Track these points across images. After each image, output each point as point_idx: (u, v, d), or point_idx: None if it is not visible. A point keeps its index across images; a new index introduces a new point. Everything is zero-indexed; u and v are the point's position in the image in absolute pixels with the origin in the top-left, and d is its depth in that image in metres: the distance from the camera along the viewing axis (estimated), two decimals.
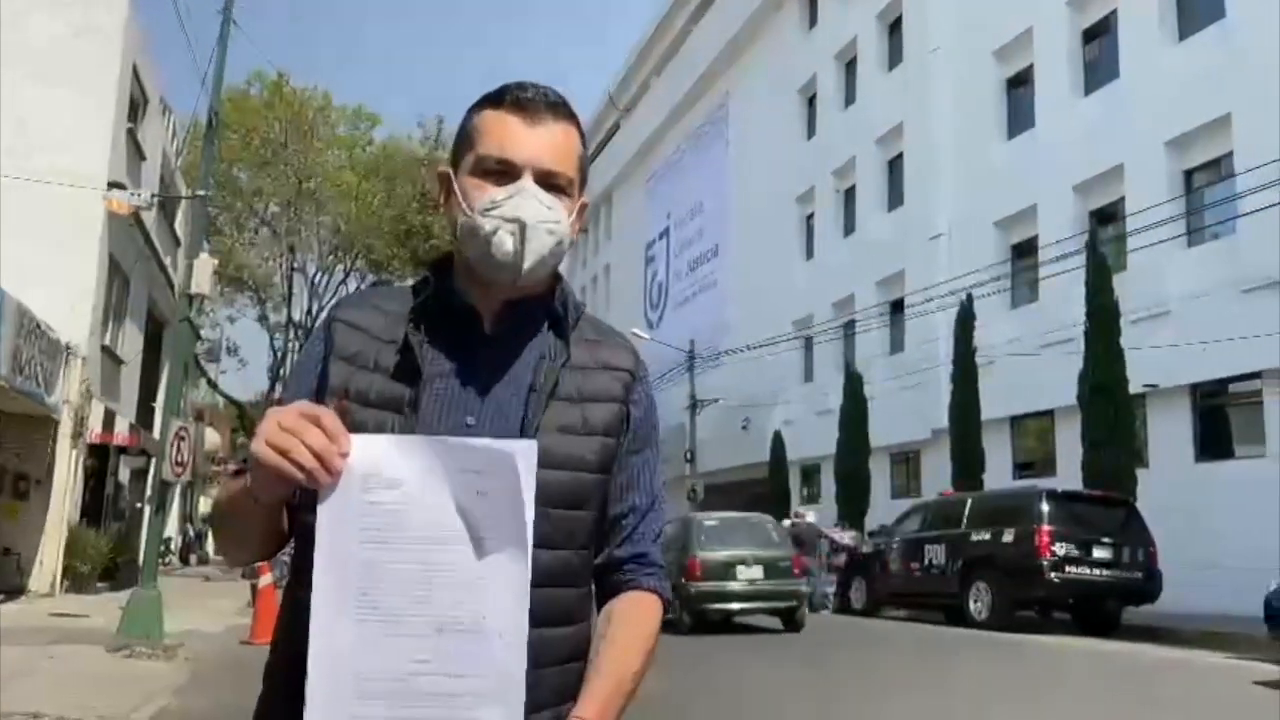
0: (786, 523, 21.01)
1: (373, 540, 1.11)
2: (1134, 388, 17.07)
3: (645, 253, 45.44)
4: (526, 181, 1.26)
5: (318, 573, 1.12)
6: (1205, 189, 18.70)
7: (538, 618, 1.14)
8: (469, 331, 1.31)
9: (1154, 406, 18.31)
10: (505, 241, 1.24)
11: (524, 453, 1.13)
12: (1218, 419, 18.05)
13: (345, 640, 1.09)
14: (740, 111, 36.61)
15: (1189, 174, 18.98)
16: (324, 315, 1.38)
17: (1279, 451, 15.66)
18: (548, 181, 1.28)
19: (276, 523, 1.25)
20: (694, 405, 31.87)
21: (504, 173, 1.27)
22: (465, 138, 1.32)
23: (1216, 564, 15.28)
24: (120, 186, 16.35)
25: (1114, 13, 20.72)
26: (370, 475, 1.12)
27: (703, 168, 39.30)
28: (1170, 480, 17.22)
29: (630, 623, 1.31)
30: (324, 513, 1.12)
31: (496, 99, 1.31)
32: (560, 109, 1.31)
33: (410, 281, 1.38)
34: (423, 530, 1.11)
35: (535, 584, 1.14)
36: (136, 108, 19.30)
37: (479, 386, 1.28)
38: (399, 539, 1.11)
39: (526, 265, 1.26)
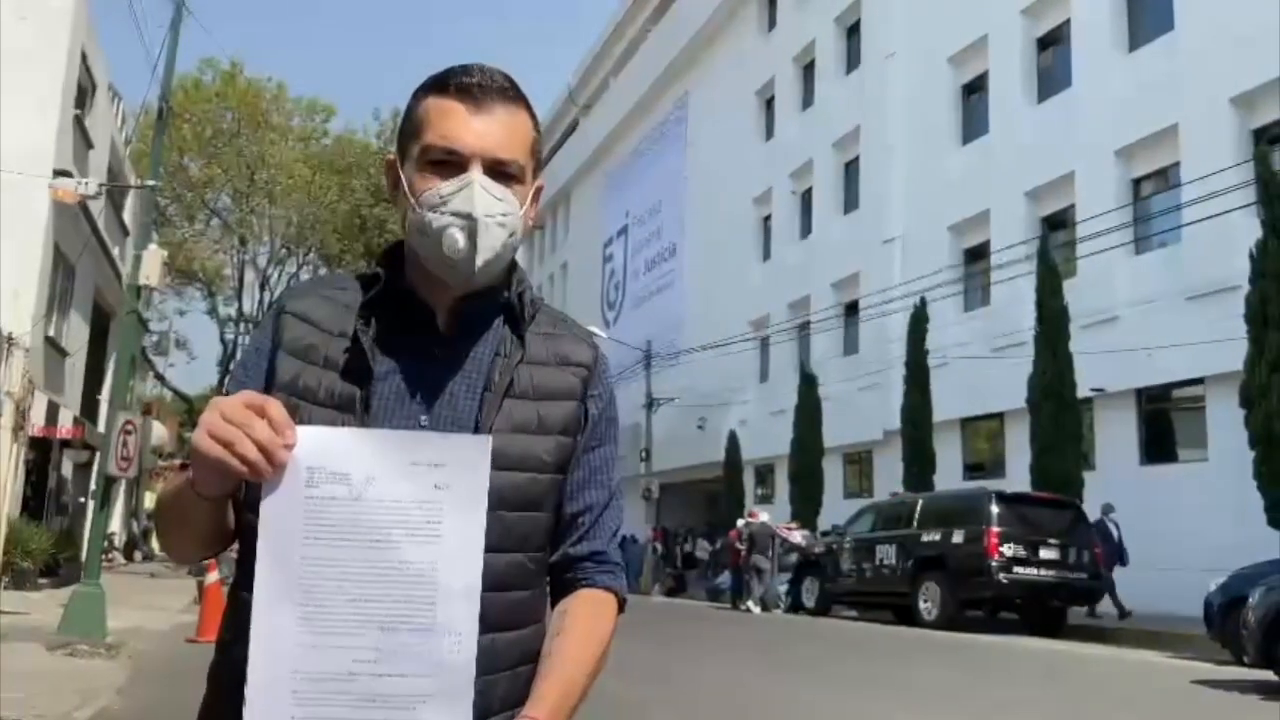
0: (741, 523, 21.12)
1: (317, 536, 1.07)
2: (1082, 392, 17.38)
3: (603, 251, 45.40)
4: (475, 173, 1.21)
5: (260, 570, 1.08)
6: (1153, 197, 19.09)
7: (489, 622, 1.11)
8: (421, 327, 1.27)
9: (1101, 411, 18.65)
10: (456, 239, 1.19)
11: (480, 446, 1.11)
12: (1162, 423, 18.44)
13: (287, 639, 1.06)
14: (699, 112, 36.71)
15: (1137, 182, 19.36)
16: (273, 305, 1.33)
17: (1220, 455, 16.00)
18: (498, 170, 1.23)
19: (222, 520, 1.21)
20: (650, 404, 31.91)
21: (451, 163, 1.22)
22: (410, 126, 1.27)
23: (1159, 565, 15.60)
24: (67, 174, 15.97)
25: (1067, 22, 21.07)
26: (316, 469, 1.08)
27: (661, 167, 39.35)
28: (1116, 483, 17.54)
29: (584, 621, 1.27)
30: (267, 507, 1.08)
31: (440, 85, 1.25)
32: (508, 92, 1.26)
33: (360, 269, 1.34)
34: (370, 526, 1.07)
35: (487, 588, 1.11)
36: (84, 94, 18.89)
37: (432, 385, 1.24)
38: (345, 535, 1.07)
39: (479, 262, 1.21)
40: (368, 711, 1.06)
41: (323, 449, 1.09)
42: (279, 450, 1.07)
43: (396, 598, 1.07)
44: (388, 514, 1.08)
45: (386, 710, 1.06)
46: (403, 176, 1.26)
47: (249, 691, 1.06)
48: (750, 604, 19.35)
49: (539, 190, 1.32)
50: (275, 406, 1.09)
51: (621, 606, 1.34)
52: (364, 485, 1.08)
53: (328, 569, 1.07)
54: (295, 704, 1.05)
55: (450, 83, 1.25)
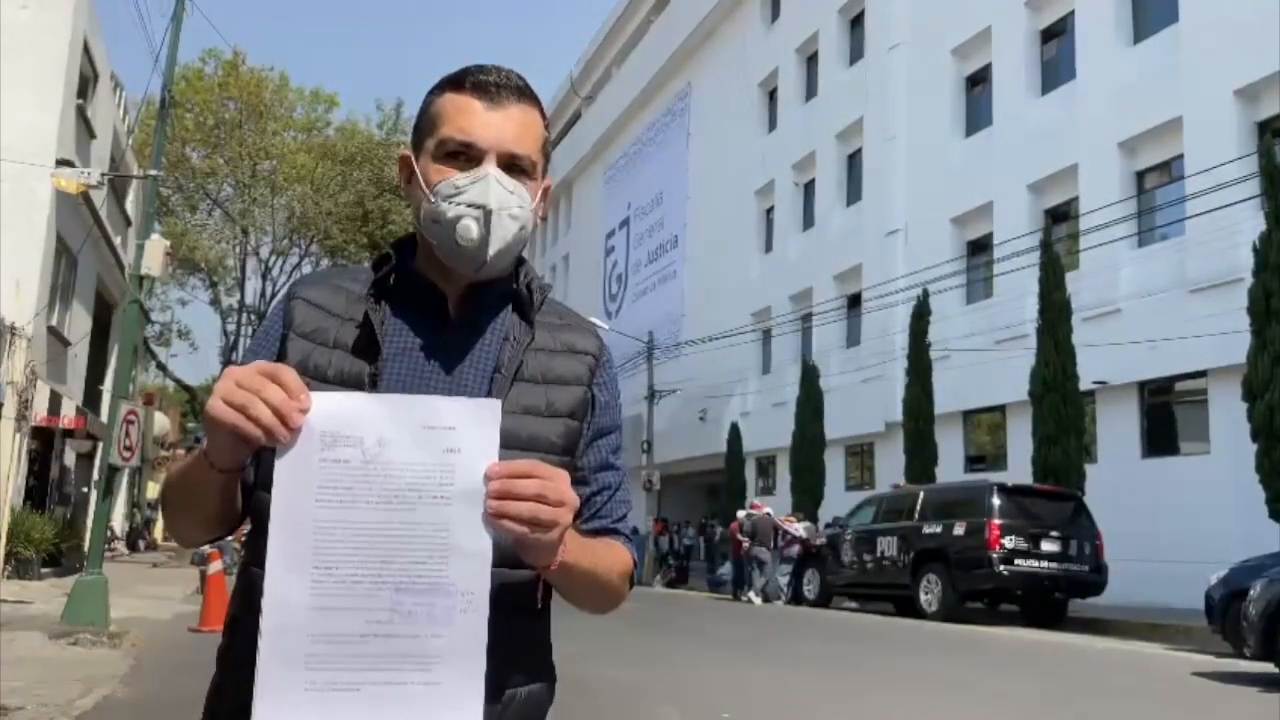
0: (741, 514, 21.14)
1: (331, 500, 1.08)
2: (1084, 384, 17.37)
3: (605, 243, 45.38)
4: (490, 166, 1.25)
5: (273, 534, 1.09)
6: (1156, 190, 19.06)
7: (494, 598, 1.11)
8: (432, 312, 1.30)
9: (1103, 403, 18.65)
10: (470, 228, 1.23)
11: (490, 409, 1.13)
12: (1164, 416, 18.44)
13: (299, 603, 1.07)
14: (701, 103, 36.65)
15: (1140, 175, 19.32)
16: (283, 292, 1.35)
17: (1222, 448, 16.01)
18: (511, 164, 1.27)
19: (231, 499, 1.22)
20: (652, 396, 31.92)
21: (467, 156, 1.26)
22: (427, 121, 1.31)
23: (1161, 558, 15.61)
24: (69, 164, 15.95)
25: (1071, 14, 21.03)
26: (330, 433, 1.09)
27: (663, 159, 39.30)
28: (1118, 475, 17.56)
29: (606, 543, 1.31)
30: (281, 471, 1.09)
31: (457, 82, 1.29)
32: (522, 91, 1.30)
33: (371, 262, 1.36)
34: (383, 489, 1.09)
35: (495, 563, 1.11)
36: (86, 84, 18.88)
37: (441, 366, 1.27)
38: (358, 498, 1.08)
39: (491, 252, 1.25)
40: (381, 672, 1.07)
41: (336, 413, 1.10)
42: (293, 414, 1.08)
43: (409, 559, 1.08)
44: (400, 476, 1.09)
45: (400, 671, 1.07)
46: (417, 169, 1.29)
47: (261, 655, 1.07)
48: (752, 595, 19.39)
49: (547, 188, 1.36)
50: (289, 373, 1.10)
51: (632, 579, 1.35)
52: (377, 448, 1.09)
53: (341, 532, 1.08)
54: (308, 667, 1.06)
55: (467, 80, 1.29)
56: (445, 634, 1.08)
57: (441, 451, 1.10)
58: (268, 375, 1.09)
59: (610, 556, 1.30)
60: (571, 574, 1.20)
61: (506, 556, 1.14)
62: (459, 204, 1.24)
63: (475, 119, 1.26)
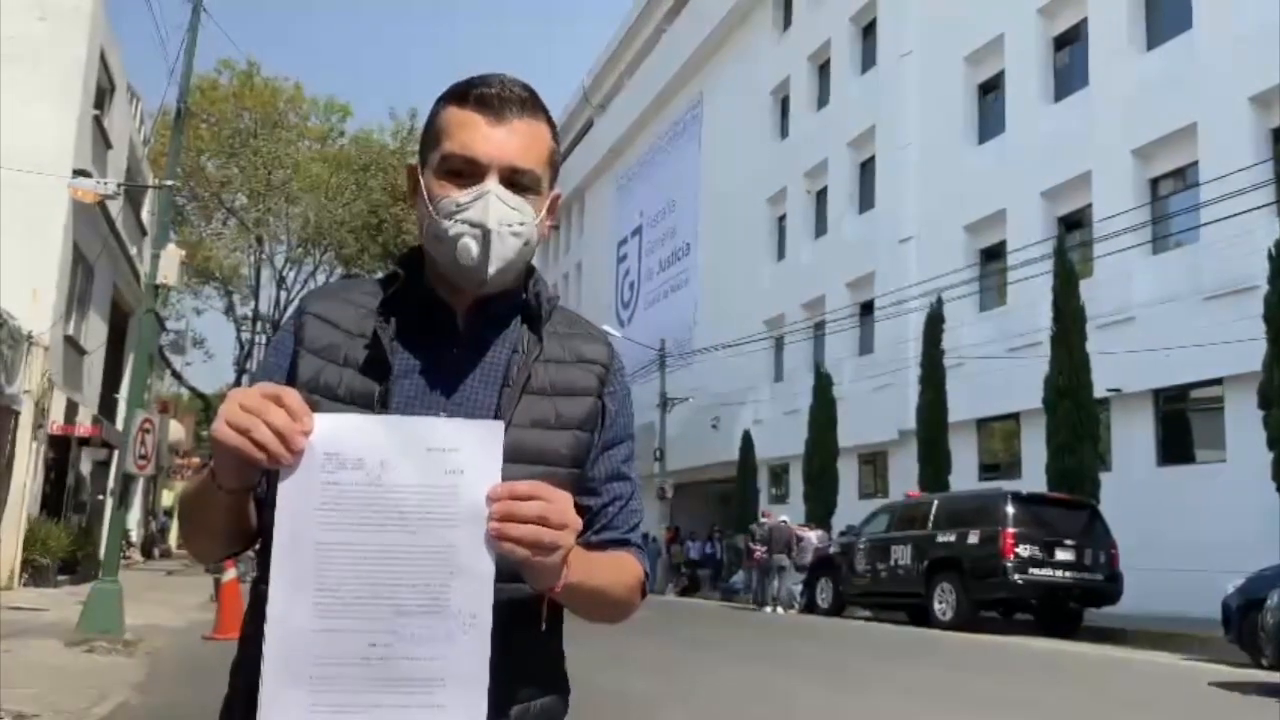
0: (754, 525, 21.08)
1: (333, 521, 1.08)
2: (1098, 392, 17.29)
3: (617, 251, 45.42)
4: (491, 183, 1.23)
5: (276, 556, 1.09)
6: (1170, 197, 18.98)
7: (500, 615, 1.12)
8: (440, 326, 1.30)
9: (1118, 411, 18.55)
10: (470, 247, 1.22)
11: (493, 430, 1.12)
12: (1179, 424, 18.32)
13: (302, 624, 1.07)
14: (713, 111, 36.69)
15: (1154, 182, 19.24)
16: (294, 308, 1.35)
17: (1238, 457, 15.89)
18: (514, 179, 1.25)
19: (243, 517, 1.23)
20: (664, 404, 31.90)
21: (469, 172, 1.24)
22: (430, 135, 1.29)
23: (1177, 567, 15.50)
24: (86, 174, 16.09)
25: (1084, 21, 20.97)
26: (333, 455, 1.09)
27: (675, 167, 39.34)
28: (1133, 484, 17.45)
29: (614, 556, 1.30)
30: (284, 493, 1.09)
31: (461, 95, 1.27)
32: (527, 103, 1.28)
33: (381, 275, 1.36)
34: (385, 510, 1.08)
35: (500, 579, 1.11)
36: (103, 95, 19.04)
37: (450, 381, 1.26)
38: (361, 520, 1.08)
39: (491, 270, 1.24)
40: (384, 695, 1.07)
41: (339, 435, 1.10)
42: (296, 436, 1.08)
43: (412, 581, 1.08)
44: (403, 498, 1.09)
45: (403, 693, 1.07)
46: (422, 183, 1.28)
47: (265, 676, 1.07)
48: (774, 604, 19.26)
49: (556, 199, 1.34)
50: (291, 395, 1.10)
51: (643, 589, 1.35)
52: (379, 470, 1.09)
53: (343, 553, 1.08)
54: (311, 689, 1.06)
55: (470, 93, 1.27)
56: (448, 656, 1.08)
57: (444, 473, 1.09)
58: (271, 397, 1.09)
59: (618, 570, 1.29)
60: (577, 593, 1.20)
61: (513, 572, 1.14)
62: (459, 221, 1.22)
63: (477, 134, 1.24)
